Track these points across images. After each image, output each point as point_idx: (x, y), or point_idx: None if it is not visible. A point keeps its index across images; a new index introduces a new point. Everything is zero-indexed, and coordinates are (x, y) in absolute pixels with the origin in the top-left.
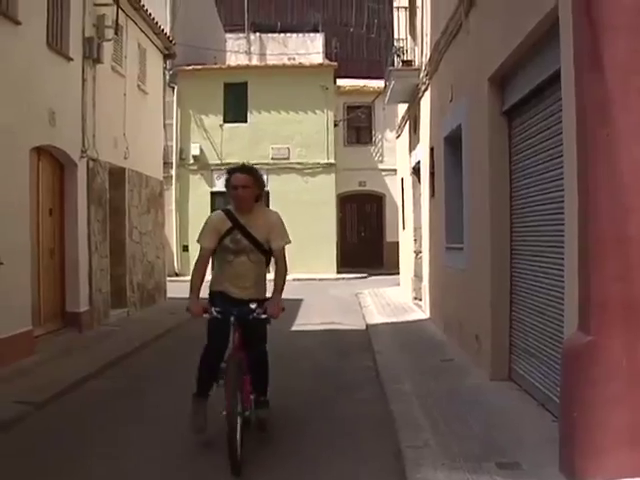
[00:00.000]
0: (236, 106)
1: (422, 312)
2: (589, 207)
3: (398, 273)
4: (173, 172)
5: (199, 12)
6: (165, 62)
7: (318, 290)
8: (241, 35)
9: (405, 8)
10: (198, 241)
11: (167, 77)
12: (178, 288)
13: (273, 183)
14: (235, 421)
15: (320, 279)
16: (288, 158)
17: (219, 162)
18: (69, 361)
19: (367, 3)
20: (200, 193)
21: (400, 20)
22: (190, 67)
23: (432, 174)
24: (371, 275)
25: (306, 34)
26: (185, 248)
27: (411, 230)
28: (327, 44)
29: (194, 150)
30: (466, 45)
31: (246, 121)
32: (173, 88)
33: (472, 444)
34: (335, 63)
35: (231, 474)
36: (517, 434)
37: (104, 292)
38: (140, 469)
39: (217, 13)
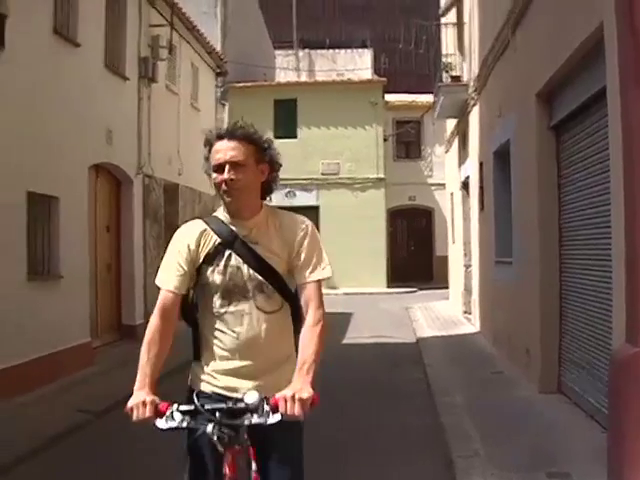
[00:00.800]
0: (286, 122)
1: (472, 325)
2: (636, 221)
3: (447, 287)
4: None
5: (249, 29)
6: (216, 80)
7: (368, 304)
8: (290, 52)
9: (453, 24)
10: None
11: (218, 94)
12: None
13: (323, 198)
14: None
15: (370, 293)
16: (338, 173)
17: None
18: (126, 372)
19: (415, 19)
20: None
21: (448, 36)
22: (241, 84)
23: (481, 188)
24: (421, 289)
25: (354, 50)
26: None
27: (460, 244)
28: (375, 59)
29: None
30: (513, 61)
31: (296, 137)
32: (224, 105)
33: (522, 454)
34: (384, 79)
35: None
36: (566, 445)
37: None
38: None
39: (266, 30)
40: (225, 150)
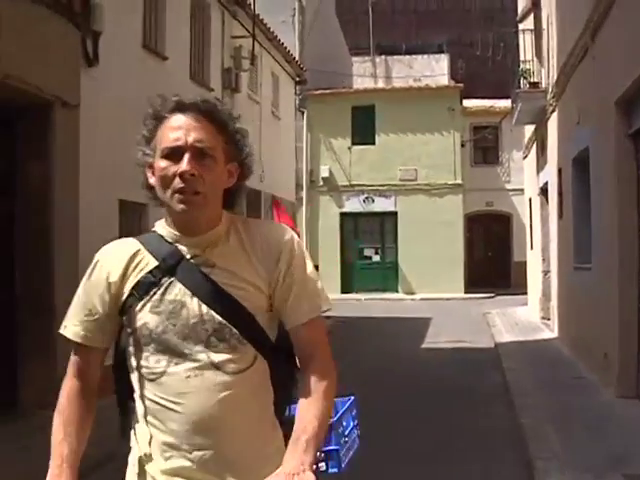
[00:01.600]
0: (364, 128)
1: (550, 331)
2: None
3: (525, 293)
4: (304, 194)
5: (326, 37)
6: (296, 88)
7: (446, 310)
8: (367, 58)
9: (531, 30)
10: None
11: (297, 102)
12: None
13: (401, 204)
14: None
15: (447, 299)
16: (416, 179)
17: (348, 184)
18: None
19: (493, 26)
20: (330, 214)
21: (526, 42)
22: (319, 92)
23: (560, 195)
24: (498, 295)
25: (431, 55)
26: (315, 268)
27: (539, 250)
28: (452, 65)
29: (323, 172)
30: (592, 68)
31: (374, 143)
32: (303, 112)
33: (599, 456)
34: (461, 84)
35: None
36: None
37: None
38: None
39: (343, 37)
40: (187, 128)
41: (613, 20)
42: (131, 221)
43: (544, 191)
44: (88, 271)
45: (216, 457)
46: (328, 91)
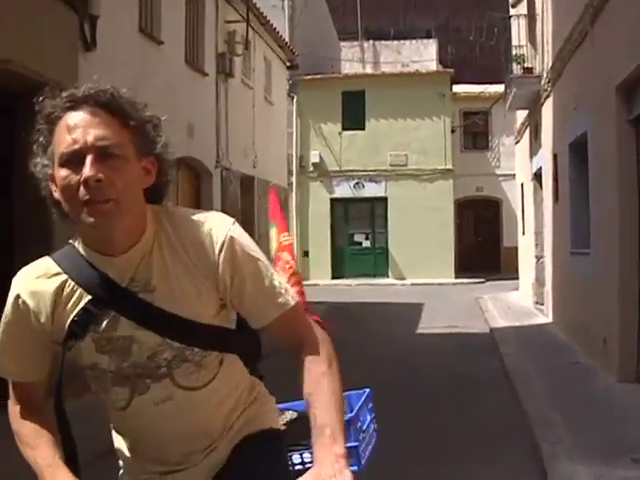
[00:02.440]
0: (354, 114)
1: (544, 316)
2: None
3: (515, 278)
4: (294, 179)
5: (315, 21)
6: (287, 73)
7: (437, 295)
8: (355, 43)
9: (525, 16)
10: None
11: (287, 87)
12: None
13: (391, 190)
14: None
15: (438, 284)
16: (406, 165)
17: (338, 169)
18: None
19: (484, 11)
20: (320, 199)
21: (520, 27)
22: (309, 77)
23: (555, 180)
24: (489, 280)
25: (419, 40)
26: (306, 254)
27: (532, 235)
28: (440, 50)
29: (314, 158)
30: (592, 53)
31: (364, 128)
32: (293, 97)
33: (605, 441)
34: (451, 70)
35: None
36: None
37: None
38: None
39: (332, 22)
40: (84, 127)
41: (615, 5)
42: None
43: (537, 176)
44: (9, 307)
45: (195, 455)
46: (318, 76)
